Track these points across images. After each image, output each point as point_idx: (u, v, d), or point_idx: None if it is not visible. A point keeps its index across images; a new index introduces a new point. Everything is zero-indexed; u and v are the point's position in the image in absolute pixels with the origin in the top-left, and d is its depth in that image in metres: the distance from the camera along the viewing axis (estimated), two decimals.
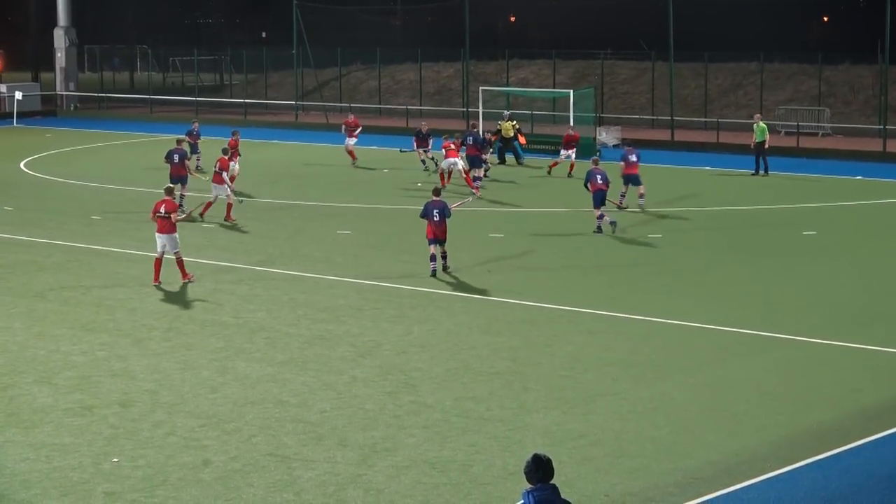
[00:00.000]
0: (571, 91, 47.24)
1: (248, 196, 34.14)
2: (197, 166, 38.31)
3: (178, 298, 23.08)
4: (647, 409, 16.26)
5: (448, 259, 24.75)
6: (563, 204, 34.17)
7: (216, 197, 31.25)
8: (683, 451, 14.73)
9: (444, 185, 35.62)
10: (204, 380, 17.75)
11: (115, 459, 14.50)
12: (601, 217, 29.26)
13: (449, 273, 24.58)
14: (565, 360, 18.65)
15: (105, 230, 30.45)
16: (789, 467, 14.14)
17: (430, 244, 24.46)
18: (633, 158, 32.48)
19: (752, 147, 39.79)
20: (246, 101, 64.22)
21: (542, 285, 24.06)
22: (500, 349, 19.27)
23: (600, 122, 51.55)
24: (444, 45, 66.12)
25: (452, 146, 35.92)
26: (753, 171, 39.30)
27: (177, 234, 24.12)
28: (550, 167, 39.90)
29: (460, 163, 35.75)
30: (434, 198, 24.53)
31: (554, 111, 52.88)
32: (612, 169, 32.58)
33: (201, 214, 31.08)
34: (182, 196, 32.32)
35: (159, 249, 24.12)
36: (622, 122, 52.65)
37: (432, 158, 40.39)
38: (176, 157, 32.99)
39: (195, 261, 26.22)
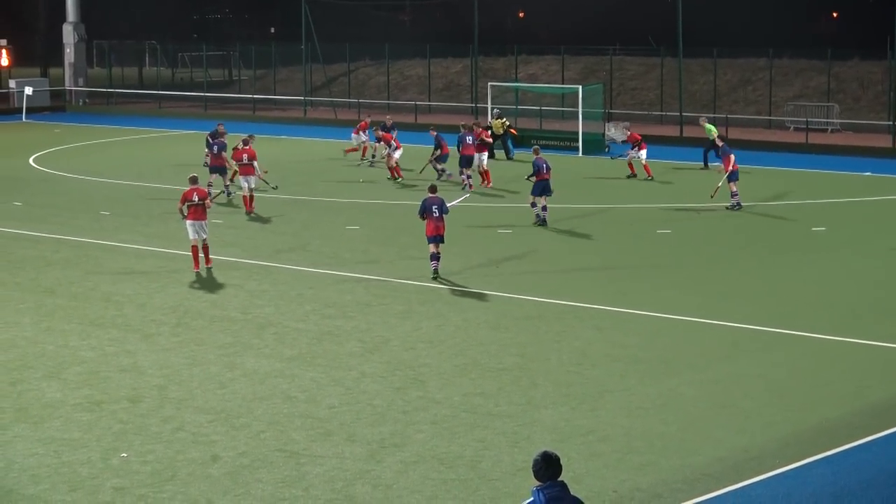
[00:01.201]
0: (580, 87, 47.15)
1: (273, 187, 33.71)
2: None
3: (186, 294, 23.09)
4: (655, 406, 16.24)
5: (438, 265, 24.04)
6: (571, 200, 34.09)
7: (249, 189, 31.85)
8: (692, 447, 14.72)
9: (396, 177, 36.79)
10: (212, 375, 17.75)
11: (124, 454, 14.52)
12: (535, 206, 29.85)
13: (435, 277, 23.93)
14: (573, 355, 18.63)
15: (113, 225, 30.45)
16: (798, 463, 14.13)
17: (430, 242, 24.09)
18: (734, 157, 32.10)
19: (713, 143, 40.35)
20: (255, 96, 64.22)
21: (551, 281, 24.03)
22: (509, 345, 19.26)
23: (609, 117, 51.46)
24: (453, 40, 66.06)
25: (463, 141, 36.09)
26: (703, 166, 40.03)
27: (207, 221, 24.84)
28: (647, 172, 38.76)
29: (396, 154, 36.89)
30: (430, 194, 24.41)
31: (563, 107, 52.83)
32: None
33: (248, 212, 31.72)
34: (226, 185, 33.91)
35: (193, 237, 24.70)
36: (631, 118, 52.51)
37: (373, 156, 40.98)
38: (216, 148, 33.80)
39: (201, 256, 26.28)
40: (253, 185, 32.08)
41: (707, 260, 26.14)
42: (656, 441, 14.90)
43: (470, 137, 36.39)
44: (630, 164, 38.71)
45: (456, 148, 36.59)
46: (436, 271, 24.07)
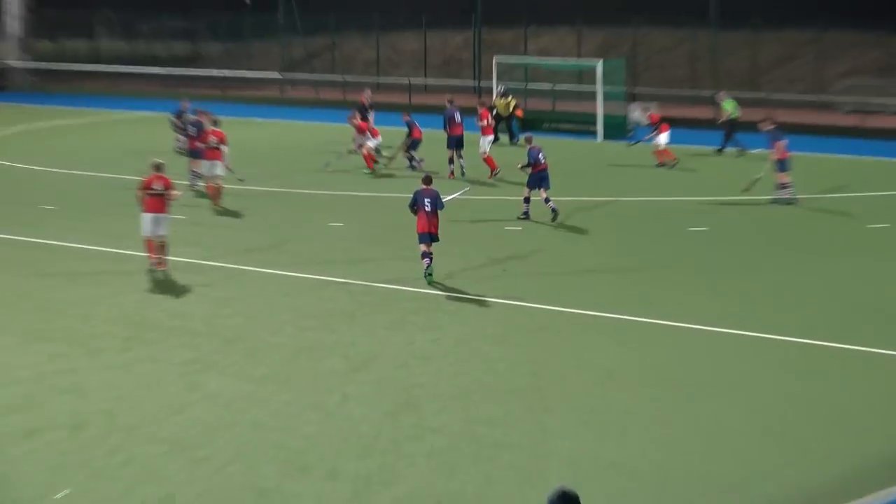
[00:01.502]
0: (600, 62, 47.14)
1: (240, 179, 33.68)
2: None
3: (140, 302, 22.94)
4: (692, 434, 16.05)
5: (431, 262, 23.99)
6: (590, 192, 33.94)
7: (215, 176, 32.11)
8: (735, 483, 14.55)
9: (371, 169, 36.95)
10: (169, 398, 17.58)
11: (63, 493, 14.33)
12: (528, 201, 30.00)
13: (430, 280, 23.93)
14: (595, 375, 18.45)
15: (57, 222, 30.36)
16: (861, 502, 14.00)
17: (420, 241, 24.14)
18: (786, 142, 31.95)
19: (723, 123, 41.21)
20: (224, 73, 64.44)
21: (567, 286, 23.84)
22: (518, 362, 19.09)
23: (632, 97, 51.33)
24: (453, 9, 65.92)
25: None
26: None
27: (167, 215, 24.94)
28: (668, 157, 38.68)
29: (371, 143, 36.82)
30: (424, 185, 24.44)
31: (580, 84, 52.63)
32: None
33: (216, 203, 31.97)
34: (194, 172, 33.82)
35: (147, 232, 24.86)
36: (658, 98, 52.28)
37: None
38: (194, 129, 34.12)
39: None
40: (220, 172, 32.24)
41: (750, 262, 25.95)
42: (694, 476, 14.72)
43: (458, 114, 36.13)
44: (657, 152, 38.50)
45: (443, 128, 36.44)
46: (429, 271, 23.92)
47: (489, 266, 25.36)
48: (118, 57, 70.56)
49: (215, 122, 33.16)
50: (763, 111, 47.43)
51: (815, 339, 20.13)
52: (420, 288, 23.55)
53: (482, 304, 22.55)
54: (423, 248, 24.05)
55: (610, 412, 16.86)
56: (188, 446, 15.68)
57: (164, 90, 62.98)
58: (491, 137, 37.07)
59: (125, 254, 26.55)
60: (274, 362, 19.15)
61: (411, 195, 24.40)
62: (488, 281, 24.13)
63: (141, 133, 47.11)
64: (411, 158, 37.22)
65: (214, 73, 65.83)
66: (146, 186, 24.91)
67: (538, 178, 29.93)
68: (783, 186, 31.79)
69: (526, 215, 29.99)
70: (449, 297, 22.99)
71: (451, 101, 37.67)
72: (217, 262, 25.94)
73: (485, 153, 36.29)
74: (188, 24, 77.95)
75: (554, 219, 29.69)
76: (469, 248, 26.82)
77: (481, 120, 37.00)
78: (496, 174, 35.73)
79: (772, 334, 20.43)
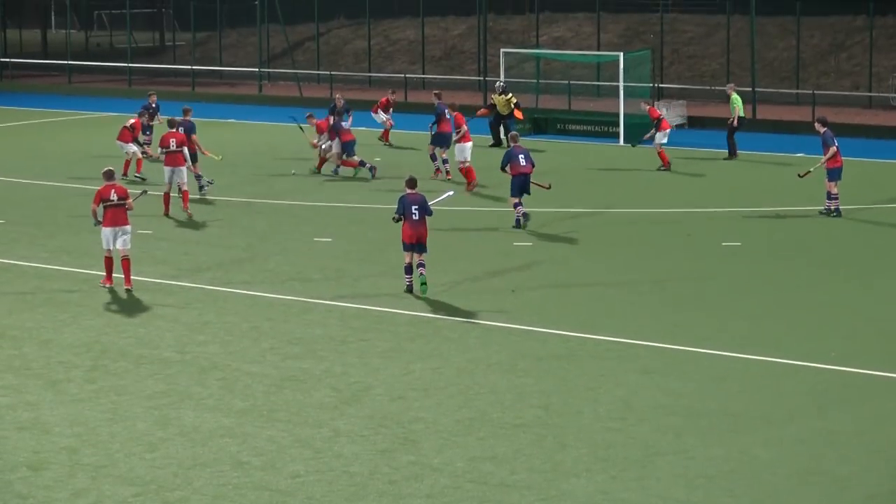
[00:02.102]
0: (622, 54, 47.17)
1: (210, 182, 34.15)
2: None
3: (104, 327, 23.05)
4: (721, 472, 16.21)
5: (424, 271, 24.69)
6: (610, 202, 34.13)
7: (181, 182, 32.59)
8: None
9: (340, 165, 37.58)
10: (139, 434, 17.69)
11: None
12: (518, 206, 30.53)
13: (423, 292, 24.67)
14: (614, 407, 18.62)
15: (8, 237, 30.45)
16: None
17: (405, 250, 24.71)
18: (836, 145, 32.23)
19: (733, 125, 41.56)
20: (194, 67, 64.17)
21: (583, 309, 24.07)
22: (528, 394, 19.25)
23: (659, 94, 51.54)
24: None
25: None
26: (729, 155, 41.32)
27: (130, 227, 25.45)
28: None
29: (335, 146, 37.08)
30: (409, 191, 24.87)
31: (598, 80, 52.87)
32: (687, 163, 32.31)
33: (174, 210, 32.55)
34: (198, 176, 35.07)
35: (107, 247, 25.30)
36: (687, 95, 52.62)
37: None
38: (181, 129, 34.60)
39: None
40: (185, 179, 32.63)
41: (788, 282, 26.16)
42: None
43: (522, 156, 34.91)
44: (660, 153, 39.02)
45: (431, 125, 37.36)
46: (410, 286, 24.72)
47: (496, 286, 25.57)
48: (73, 50, 70.29)
49: (173, 125, 33.70)
50: (806, 110, 47.93)
51: (856, 368, 20.29)
52: (418, 311, 23.73)
53: (487, 328, 22.69)
54: (407, 258, 24.60)
55: (629, 448, 17.02)
56: (161, 487, 15.80)
57: (125, 88, 62.85)
58: (470, 144, 36.73)
59: (84, 273, 26.74)
60: (255, 394, 19.28)
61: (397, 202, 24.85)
62: (495, 303, 24.29)
63: (98, 136, 46.74)
64: (361, 162, 37.99)
65: (183, 67, 65.85)
66: (103, 197, 25.19)
67: (518, 183, 30.48)
68: (831, 198, 32.03)
69: (518, 223, 30.43)
70: (450, 321, 23.14)
71: (438, 96, 38.48)
72: (190, 282, 26.08)
73: (465, 162, 36.00)
74: (153, 12, 77.97)
75: (518, 226, 30.27)
76: (473, 266, 27.03)
77: (459, 126, 36.82)
78: (474, 186, 35.55)
79: (809, 361, 20.62)
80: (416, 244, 24.52)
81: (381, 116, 44.84)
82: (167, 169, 32.62)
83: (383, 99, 45.85)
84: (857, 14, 55.92)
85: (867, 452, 16.87)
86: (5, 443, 17.42)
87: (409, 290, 24.80)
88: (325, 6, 65.56)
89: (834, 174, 31.88)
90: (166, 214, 32.33)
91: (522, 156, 30.63)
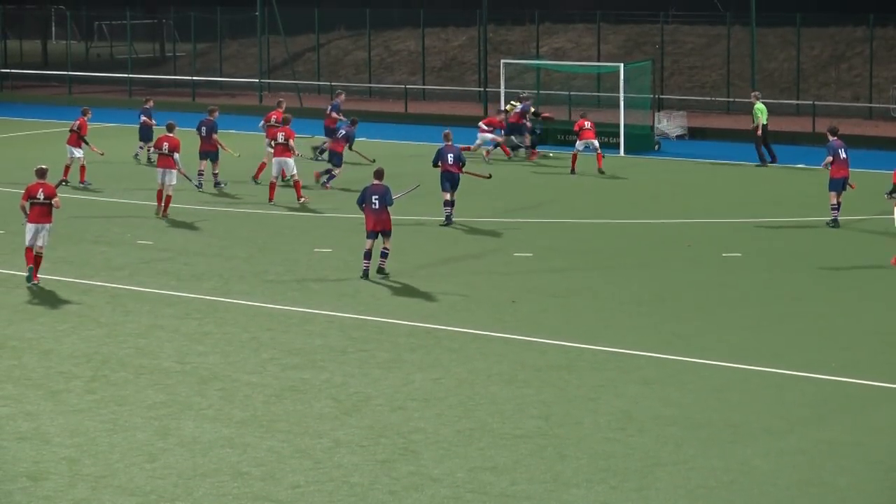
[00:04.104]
0: (622, 65, 47.24)
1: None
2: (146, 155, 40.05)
3: (105, 338, 23.09)
4: (721, 483, 16.22)
5: (387, 259, 26.83)
6: (610, 213, 34.17)
7: (169, 185, 33.92)
8: None
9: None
10: (139, 445, 17.70)
11: None
12: (447, 205, 32.21)
13: (386, 277, 26.76)
14: (614, 418, 18.65)
15: (9, 247, 30.47)
16: None
17: (367, 238, 26.71)
18: (844, 155, 32.33)
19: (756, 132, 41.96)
20: (195, 78, 64.35)
21: (584, 320, 24.12)
22: (528, 404, 19.28)
23: (660, 105, 51.58)
24: (455, 4, 66.26)
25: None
26: (760, 163, 41.82)
27: (50, 225, 26.83)
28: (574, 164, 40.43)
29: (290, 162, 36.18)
30: (375, 181, 26.67)
31: (598, 91, 52.91)
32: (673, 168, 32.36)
33: (163, 214, 33.77)
34: (214, 174, 37.86)
35: (30, 242, 26.65)
36: (688, 106, 52.67)
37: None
38: (204, 130, 37.87)
39: (125, 287, 26.37)
40: (174, 182, 33.88)
41: (788, 292, 26.21)
42: None
43: (451, 155, 33.00)
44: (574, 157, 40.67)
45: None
46: (366, 272, 26.64)
47: (496, 297, 25.61)
48: (73, 60, 70.36)
49: (170, 128, 34.83)
50: (806, 120, 47.98)
51: (856, 378, 20.31)
52: (418, 322, 23.75)
53: (488, 339, 22.72)
54: (368, 245, 26.40)
55: (629, 458, 17.04)
56: (161, 498, 15.80)
57: (125, 98, 62.87)
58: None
59: (87, 284, 26.85)
60: (255, 405, 19.30)
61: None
62: (495, 313, 24.36)
63: (99, 146, 46.83)
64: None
65: (183, 78, 65.95)
66: (30, 194, 26.50)
67: (446, 178, 31.93)
68: (832, 208, 32.15)
69: (447, 220, 31.92)
70: (450, 332, 23.16)
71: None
72: (190, 292, 26.12)
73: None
74: (154, 22, 77.99)
75: (447, 223, 31.80)
76: (473, 277, 27.09)
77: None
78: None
79: (809, 372, 20.64)
80: (376, 231, 26.45)
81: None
82: (159, 170, 34.16)
83: (274, 113, 41.66)
84: (857, 25, 55.98)
85: (867, 463, 16.88)
86: (5, 453, 17.42)
87: (365, 275, 26.56)
88: (326, 17, 65.71)
89: (832, 185, 32.01)
90: (158, 212, 33.81)
91: (451, 155, 32.04)
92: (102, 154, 39.55)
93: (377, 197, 26.47)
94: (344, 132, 38.22)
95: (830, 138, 32.49)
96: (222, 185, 37.82)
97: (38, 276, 26.65)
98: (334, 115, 42.08)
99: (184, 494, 15.98)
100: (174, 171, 33.73)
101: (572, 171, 40.51)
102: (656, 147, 45.48)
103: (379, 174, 26.99)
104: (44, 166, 27.18)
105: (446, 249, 28.29)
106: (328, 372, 20.90)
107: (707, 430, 18.14)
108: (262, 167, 38.67)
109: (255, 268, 28.40)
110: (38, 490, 16.16)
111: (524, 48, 60.61)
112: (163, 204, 33.81)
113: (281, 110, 39.66)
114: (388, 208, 26.54)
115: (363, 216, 26.87)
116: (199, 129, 38.33)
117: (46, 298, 25.83)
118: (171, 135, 34.34)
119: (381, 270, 26.87)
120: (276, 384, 20.31)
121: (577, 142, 41.26)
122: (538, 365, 21.23)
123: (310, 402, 19.47)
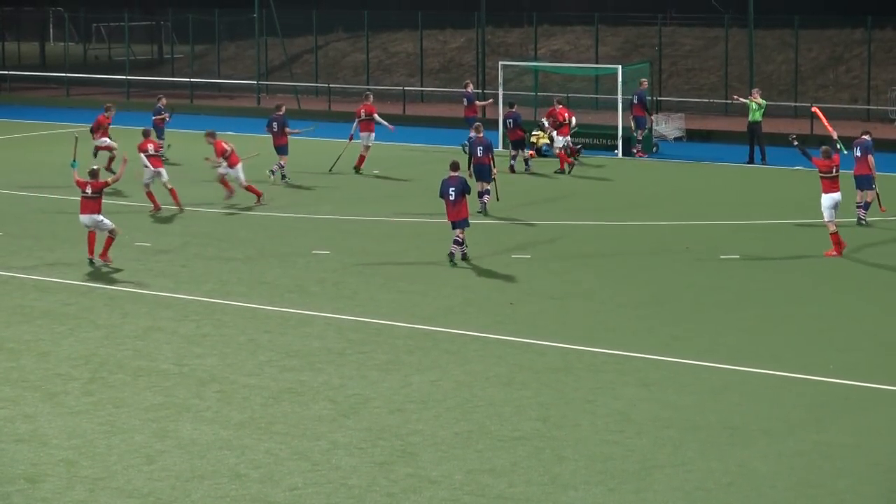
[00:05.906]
0: (620, 67, 47.22)
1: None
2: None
3: (102, 340, 23.13)
4: (719, 485, 16.25)
5: (461, 246, 28.20)
6: (608, 215, 34.19)
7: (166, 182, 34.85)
8: None
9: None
10: (137, 447, 17.74)
11: None
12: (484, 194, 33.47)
13: (468, 261, 28.13)
14: (612, 420, 18.68)
15: (7, 250, 30.51)
16: None
17: (452, 227, 28.14)
18: (858, 154, 32.55)
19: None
20: (192, 80, 64.37)
21: (582, 322, 24.14)
22: (526, 406, 19.31)
23: (658, 107, 51.61)
24: (453, 6, 66.27)
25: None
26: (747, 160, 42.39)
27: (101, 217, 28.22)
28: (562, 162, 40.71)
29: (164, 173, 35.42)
30: (451, 173, 27.96)
31: (597, 94, 52.94)
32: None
33: (179, 208, 34.91)
34: (282, 166, 39.10)
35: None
36: (686, 108, 52.68)
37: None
38: (275, 126, 39.24)
39: (123, 289, 26.40)
40: (166, 178, 34.75)
41: (786, 294, 26.23)
42: None
43: (481, 147, 33.78)
44: (560, 154, 40.79)
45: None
46: (452, 256, 28.12)
47: (494, 299, 25.66)
48: (71, 62, 70.43)
49: (146, 134, 35.76)
50: (804, 123, 47.98)
51: (855, 381, 20.35)
52: (416, 324, 23.78)
53: (486, 341, 22.75)
54: (454, 234, 27.99)
55: (627, 461, 17.08)
56: (159, 500, 15.84)
57: (123, 100, 62.76)
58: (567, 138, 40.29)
59: (86, 286, 26.90)
60: (253, 407, 19.33)
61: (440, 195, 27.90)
62: (493, 316, 24.38)
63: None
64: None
65: (181, 80, 65.93)
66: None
67: (476, 169, 33.30)
68: (858, 205, 32.60)
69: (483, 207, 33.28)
70: (448, 334, 23.18)
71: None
72: (188, 294, 26.16)
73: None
74: (151, 24, 78.04)
75: (479, 212, 32.48)
76: (471, 279, 27.14)
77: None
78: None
79: (807, 374, 20.67)
80: (459, 220, 27.91)
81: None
82: (150, 170, 34.67)
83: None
84: (855, 27, 56.01)
85: (865, 465, 16.91)
86: (3, 455, 17.46)
87: (451, 259, 28.12)
88: (324, 19, 65.75)
89: (857, 182, 32.73)
90: (154, 211, 34.56)
91: (481, 147, 33.10)
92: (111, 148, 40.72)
93: (454, 189, 27.73)
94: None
95: (863, 136, 33.25)
96: (287, 179, 38.99)
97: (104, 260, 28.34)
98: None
99: (182, 496, 16.01)
100: (163, 170, 34.74)
101: (562, 170, 40.62)
102: (654, 149, 45.42)
103: (454, 166, 28.08)
104: (95, 167, 28.67)
105: (444, 251, 28.29)
106: (326, 374, 20.93)
107: (705, 432, 18.17)
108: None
109: (253, 269, 28.42)
110: (35, 492, 16.20)
111: (522, 50, 60.64)
112: (174, 200, 34.69)
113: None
114: (466, 198, 27.87)
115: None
116: (269, 126, 39.48)
117: (44, 300, 25.85)
118: (151, 138, 35.55)
119: (464, 257, 28.27)
120: (274, 386, 20.34)
121: (558, 137, 41.33)
122: (536, 367, 21.25)
123: (308, 403, 19.49)
